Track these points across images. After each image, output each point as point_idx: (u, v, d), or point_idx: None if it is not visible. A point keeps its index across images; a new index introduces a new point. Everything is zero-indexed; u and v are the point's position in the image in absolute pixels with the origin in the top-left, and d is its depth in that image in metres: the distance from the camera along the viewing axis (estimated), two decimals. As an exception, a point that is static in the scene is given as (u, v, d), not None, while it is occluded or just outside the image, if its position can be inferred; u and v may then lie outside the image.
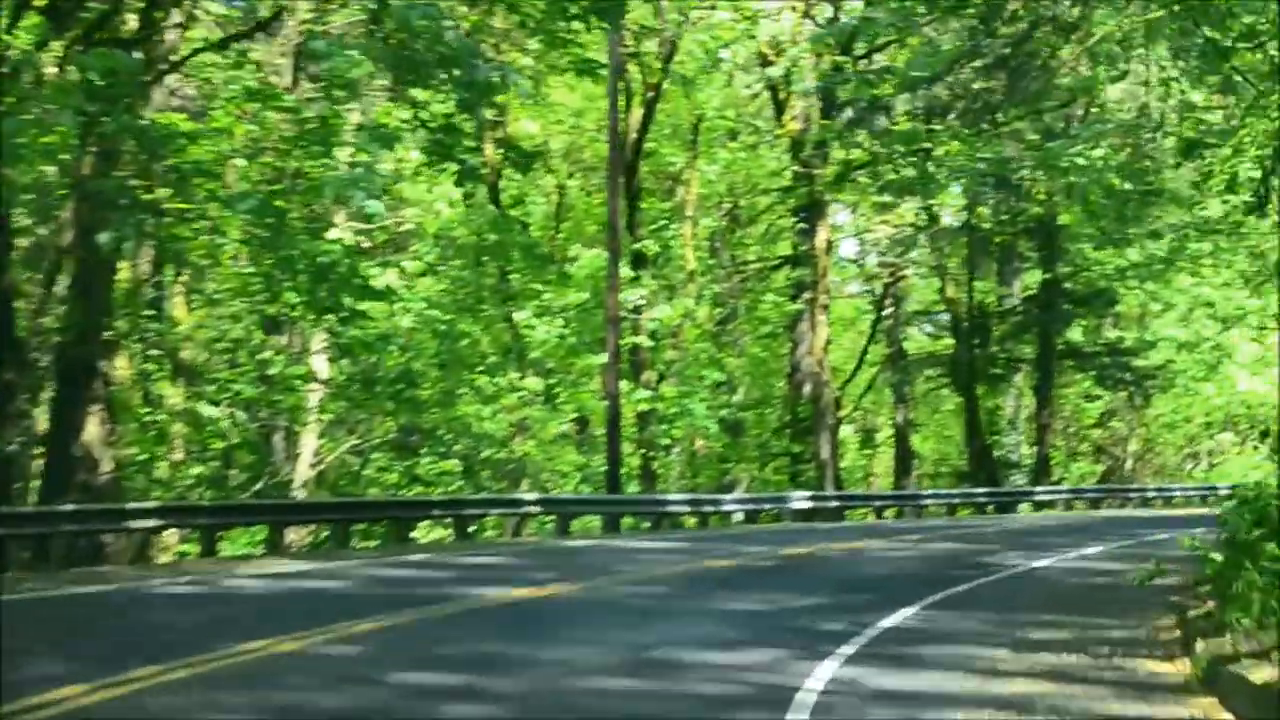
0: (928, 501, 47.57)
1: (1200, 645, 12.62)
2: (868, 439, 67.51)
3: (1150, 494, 54.82)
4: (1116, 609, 17.07)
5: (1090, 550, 26.02)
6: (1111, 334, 59.01)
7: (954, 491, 49.43)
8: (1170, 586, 18.98)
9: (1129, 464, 62.18)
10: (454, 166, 28.19)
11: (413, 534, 34.84)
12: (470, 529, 33.81)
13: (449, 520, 33.76)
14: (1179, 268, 58.03)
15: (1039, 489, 51.38)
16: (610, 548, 28.51)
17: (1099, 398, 61.97)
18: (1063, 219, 54.66)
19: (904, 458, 60.18)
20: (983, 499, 48.21)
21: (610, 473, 38.48)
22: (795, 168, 51.74)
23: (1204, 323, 61.76)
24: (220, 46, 30.38)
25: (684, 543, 29.83)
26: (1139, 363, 56.17)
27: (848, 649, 13.51)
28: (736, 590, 19.01)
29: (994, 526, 35.33)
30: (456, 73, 25.02)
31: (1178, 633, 14.78)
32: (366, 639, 13.98)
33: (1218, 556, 15.09)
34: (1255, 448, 64.96)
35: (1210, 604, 14.92)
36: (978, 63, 29.52)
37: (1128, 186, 43.42)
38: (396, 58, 26.11)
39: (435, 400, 40.88)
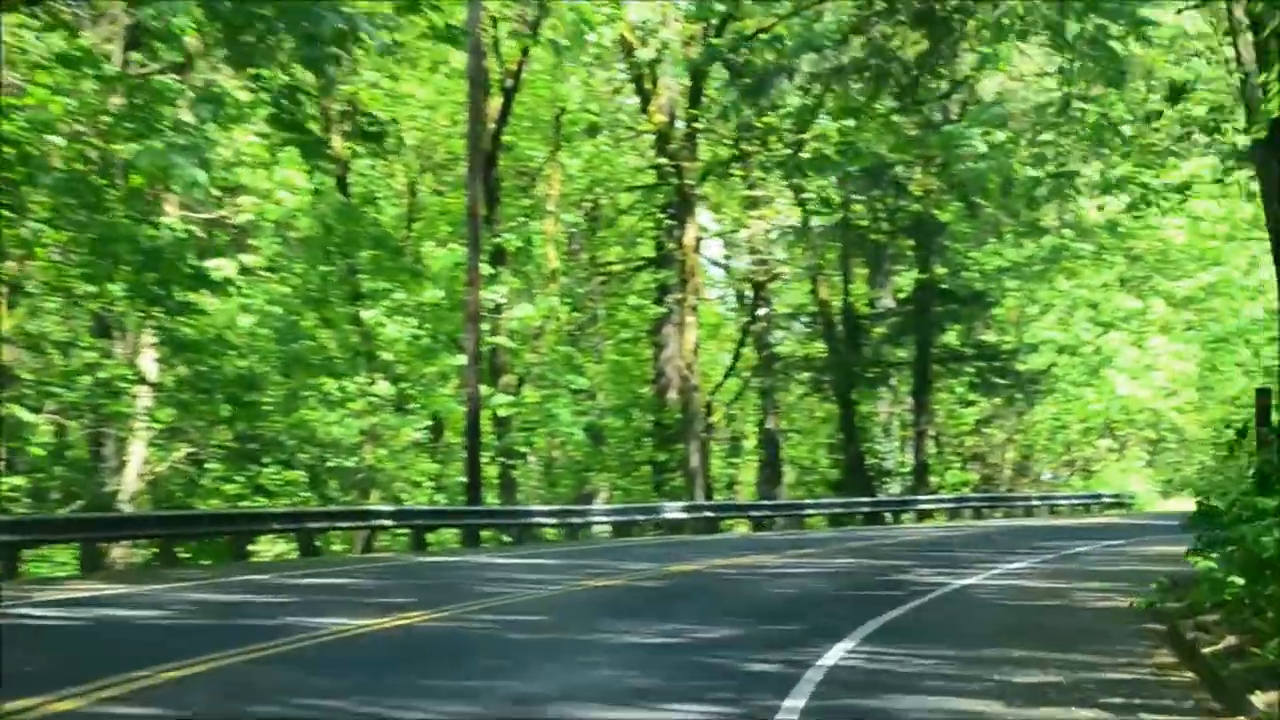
0: (809, 512, 44.93)
1: (1261, 700, 9.76)
2: (734, 447, 64.68)
3: (1035, 503, 52.59)
4: (1092, 640, 14.27)
5: (1014, 566, 23.30)
6: (989, 337, 56.63)
7: (836, 501, 46.75)
8: (1129, 611, 16.33)
9: (1006, 472, 59.93)
10: (299, 138, 24.86)
11: (252, 550, 31.50)
12: (316, 544, 30.50)
13: (293, 534, 30.46)
14: (1061, 267, 55.98)
15: (922, 497, 48.96)
16: (473, 565, 25.41)
17: (974, 403, 59.61)
18: (942, 216, 52.31)
19: (773, 466, 57.41)
20: (866, 509, 45.67)
21: (470, 482, 35.31)
22: (662, 160, 48.86)
23: (1084, 326, 59.75)
24: (29, 2, 26.81)
25: (555, 559, 26.78)
26: (1021, 366, 53.88)
27: (794, 702, 10.55)
28: (631, 618, 16.01)
29: (888, 539, 32.58)
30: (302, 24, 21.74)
31: (1190, 674, 11.97)
32: (168, 693, 10.78)
33: (1237, 579, 12.36)
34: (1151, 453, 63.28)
35: (1231, 637, 12.12)
36: (897, 18, 26.90)
37: (1034, 173, 41.02)
38: (232, 9, 22.82)
39: (278, 405, 37.39)
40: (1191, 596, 15.20)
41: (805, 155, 46.89)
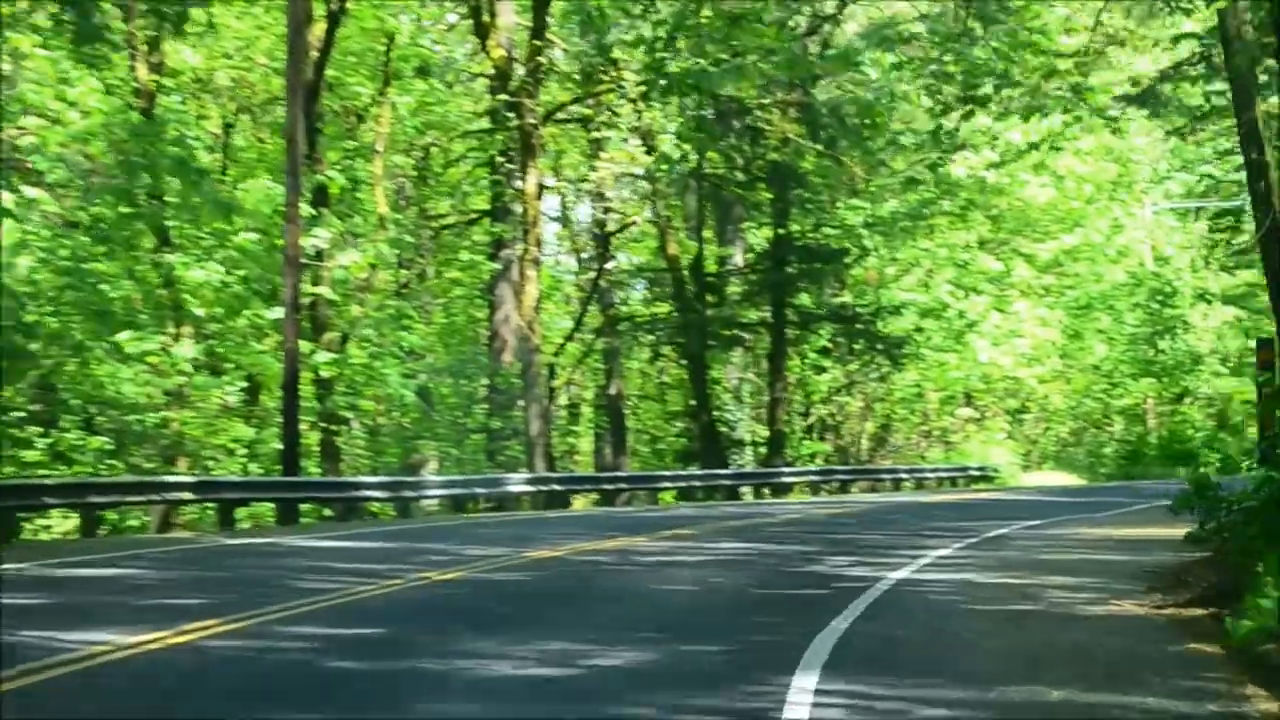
0: (664, 485, 41.02)
1: None
2: (574, 414, 60.46)
3: (902, 476, 49.10)
4: (1142, 669, 10.37)
5: (941, 554, 19.37)
6: (848, 298, 52.91)
7: (694, 474, 42.75)
8: (1148, 622, 12.59)
9: (863, 443, 56.47)
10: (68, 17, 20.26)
11: (28, 529, 26.90)
12: (102, 521, 25.92)
13: (75, 510, 25.89)
14: (928, 223, 52.58)
15: (786, 470, 45.23)
16: (288, 549, 21.05)
17: (825, 369, 55.91)
18: (803, 164, 48.54)
19: (618, 435, 53.33)
20: (728, 481, 41.83)
21: (286, 450, 30.77)
22: (502, 98, 44.52)
23: (945, 288, 56.43)
24: None
25: (388, 541, 22.50)
26: (883, 329, 50.29)
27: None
28: (497, 632, 11.88)
29: (765, 517, 28.52)
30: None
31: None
32: None
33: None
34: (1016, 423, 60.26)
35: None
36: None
37: (930, 103, 37.61)
38: None
39: (64, 361, 32.56)
40: (1252, 617, 11.34)
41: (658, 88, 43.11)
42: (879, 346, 50.23)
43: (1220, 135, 73.34)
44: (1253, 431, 73.67)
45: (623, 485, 39.73)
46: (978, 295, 57.86)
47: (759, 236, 54.01)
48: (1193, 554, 17.93)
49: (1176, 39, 39.63)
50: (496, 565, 17.83)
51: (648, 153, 46.45)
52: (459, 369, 49.93)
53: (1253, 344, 75.04)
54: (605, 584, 16.16)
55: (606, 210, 49.72)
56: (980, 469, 53.53)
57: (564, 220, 58.62)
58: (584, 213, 56.62)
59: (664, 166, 47.91)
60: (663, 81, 43.08)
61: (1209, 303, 70.83)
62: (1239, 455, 75.19)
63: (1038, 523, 25.28)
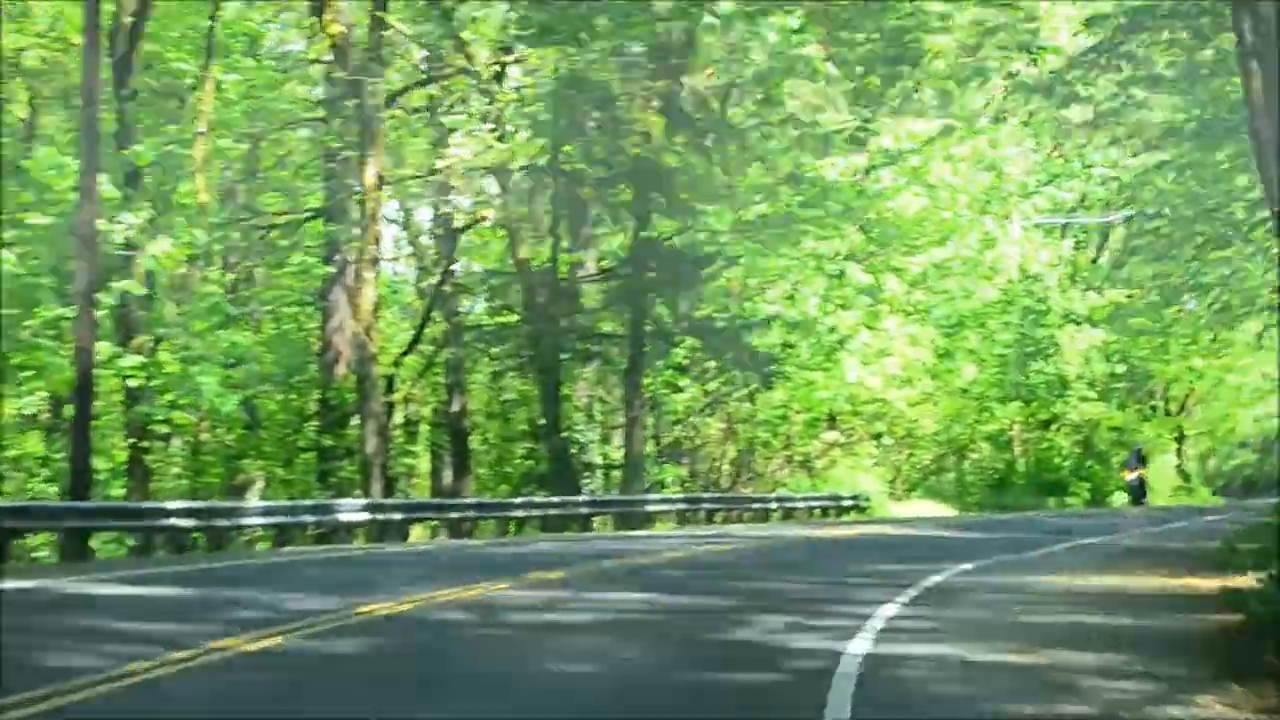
0: (518, 513, 36.64)
1: None
2: (412, 433, 55.60)
3: (772, 505, 45.12)
4: None
5: (889, 612, 15.14)
6: (710, 310, 48.54)
7: (553, 500, 38.26)
8: None
9: (725, 467, 52.33)
10: None
11: None
12: None
13: None
14: (803, 230, 48.71)
15: (651, 498, 40.96)
16: (56, 599, 16.47)
17: (681, 388, 51.68)
18: (669, 161, 44.38)
19: (460, 456, 48.74)
20: (586, 509, 37.56)
21: (75, 468, 25.97)
22: (339, 76, 40.11)
23: (814, 301, 52.56)
24: None
25: (190, 586, 17.95)
26: (756, 344, 46.19)
27: None
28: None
29: (645, 554, 24.20)
30: None
31: None
32: None
33: None
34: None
35: None
36: None
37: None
38: None
39: None
40: None
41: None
42: (747, 362, 46.16)
43: (1091, 147, 70.87)
44: (1118, 459, 71.27)
45: (471, 514, 35.24)
46: (846, 311, 54.14)
47: (612, 246, 50.02)
48: (1229, 617, 14.02)
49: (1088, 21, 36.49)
50: (323, 626, 13.43)
51: (499, 139, 42.14)
52: (285, 378, 45.34)
53: (1121, 369, 72.58)
54: (471, 661, 11.79)
55: (453, 206, 45.30)
56: (853, 498, 49.79)
57: (405, 223, 54.14)
58: (427, 216, 52.24)
59: (517, 160, 43.71)
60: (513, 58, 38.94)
61: (1077, 324, 67.91)
62: (1117, 485, 72.65)
63: (969, 567, 21.28)
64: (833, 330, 51.59)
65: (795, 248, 52.41)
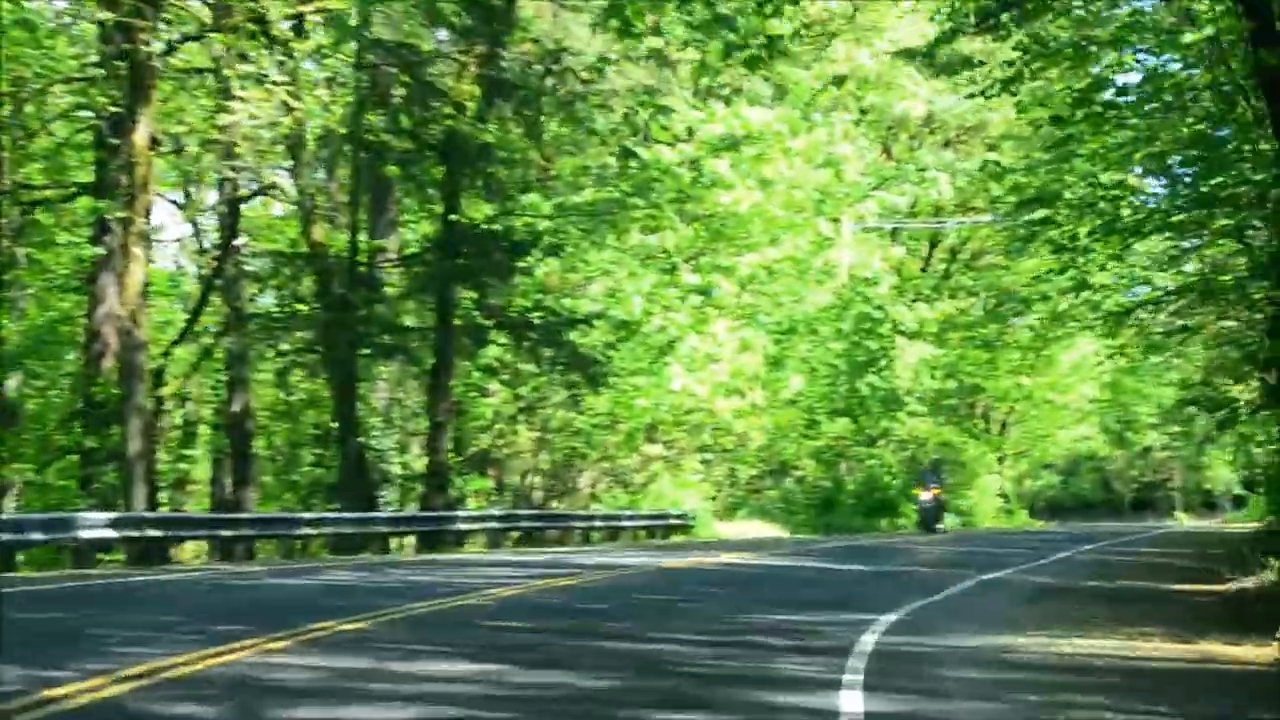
0: (306, 530, 31.23)
1: None
2: (189, 434, 49.71)
3: (597, 524, 40.21)
4: None
5: (853, 708, 10.26)
6: (526, 304, 43.24)
7: (347, 516, 32.74)
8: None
9: (537, 480, 47.11)
10: None
11: None
12: None
13: None
14: (631, 218, 43.95)
15: (461, 515, 35.71)
16: None
17: (490, 393, 46.45)
18: (484, 137, 39.34)
19: (242, 461, 43.03)
20: (384, 528, 32.29)
21: None
22: (108, 16, 34.53)
23: (638, 301, 47.76)
24: None
25: None
26: (580, 343, 41.10)
27: None
28: None
29: (467, 591, 18.97)
30: None
31: None
32: None
33: None
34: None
35: None
36: None
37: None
38: None
39: None
40: None
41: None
42: (568, 363, 41.14)
43: (925, 149, 67.29)
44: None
45: (247, 531, 29.73)
46: (672, 313, 49.43)
47: (418, 230, 44.93)
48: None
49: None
50: None
51: (297, 99, 36.73)
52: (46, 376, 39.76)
53: (954, 384, 68.95)
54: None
55: (237, 172, 39.69)
56: (679, 517, 45.13)
57: (185, 201, 48.31)
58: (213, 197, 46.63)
59: (312, 128, 38.43)
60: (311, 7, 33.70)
61: (909, 337, 64.13)
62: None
63: (895, 618, 16.34)
64: (663, 330, 46.84)
65: (621, 239, 47.72)
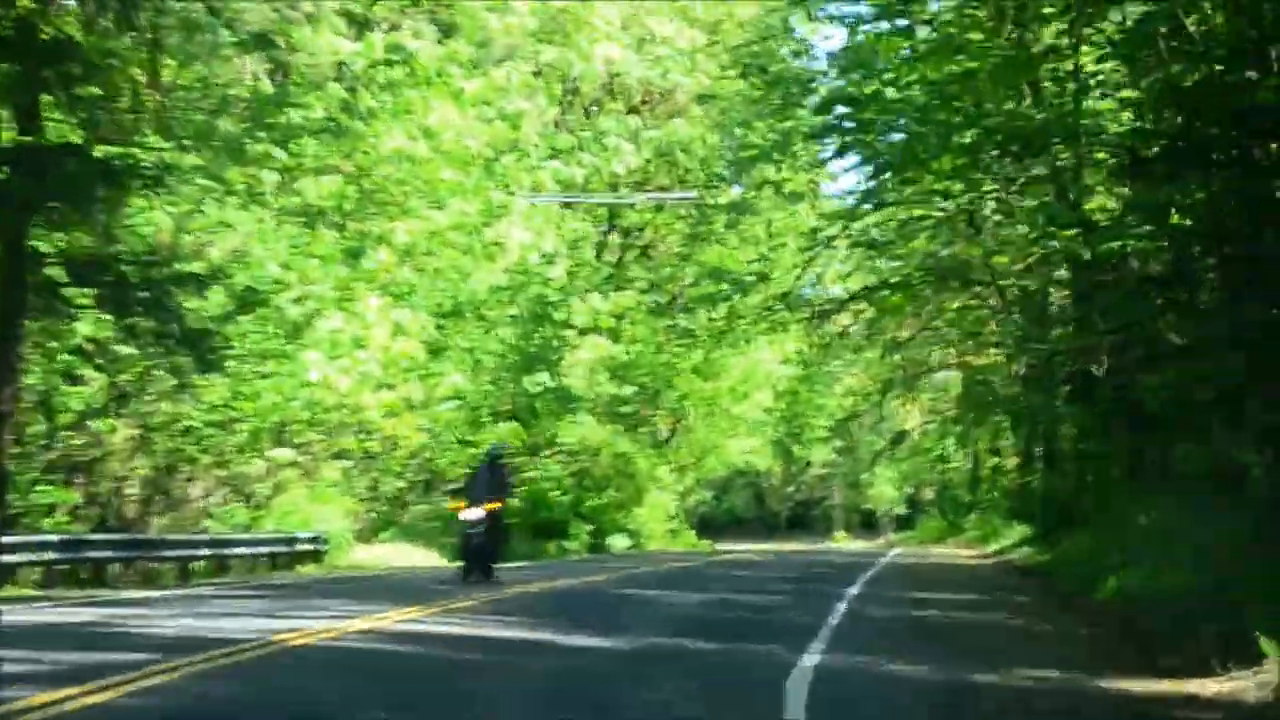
0: None
1: None
2: None
3: (202, 552, 29.90)
4: None
5: None
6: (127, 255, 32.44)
7: None
8: None
9: (134, 491, 36.28)
10: None
11: None
12: None
13: None
14: (261, 155, 33.82)
15: (6, 541, 24.78)
16: None
17: (81, 379, 35.53)
18: (65, 27, 28.91)
19: None
20: None
21: None
22: None
23: (271, 268, 37.65)
24: None
25: None
26: (190, 304, 30.39)
27: None
28: None
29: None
30: None
31: None
32: None
33: None
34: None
35: None
36: None
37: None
38: None
39: None
40: None
41: None
42: (177, 339, 30.58)
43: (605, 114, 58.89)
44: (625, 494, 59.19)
45: None
46: (313, 284, 39.44)
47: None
48: None
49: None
50: None
51: None
52: None
53: (629, 390, 60.44)
54: None
55: None
56: (311, 540, 35.26)
57: None
58: None
59: None
60: None
61: (583, 333, 55.36)
62: (653, 527, 60.38)
63: None
64: (300, 301, 36.78)
65: (249, 186, 37.60)
